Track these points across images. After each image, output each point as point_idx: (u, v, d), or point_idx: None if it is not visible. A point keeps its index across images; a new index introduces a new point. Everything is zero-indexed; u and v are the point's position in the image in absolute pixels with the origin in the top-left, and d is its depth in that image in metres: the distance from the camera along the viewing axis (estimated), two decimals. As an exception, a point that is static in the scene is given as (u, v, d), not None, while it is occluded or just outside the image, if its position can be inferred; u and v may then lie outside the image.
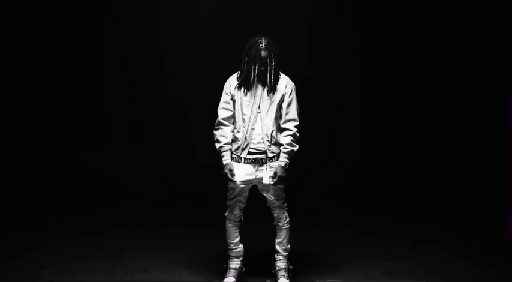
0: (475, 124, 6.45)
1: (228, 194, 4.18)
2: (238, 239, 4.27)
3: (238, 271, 4.29)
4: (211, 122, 4.11)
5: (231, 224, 4.23)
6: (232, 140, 4.06)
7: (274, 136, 4.01)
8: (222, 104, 4.07)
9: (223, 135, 4.04)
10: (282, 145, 4.01)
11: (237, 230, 4.25)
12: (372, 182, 6.48)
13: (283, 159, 3.99)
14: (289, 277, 4.24)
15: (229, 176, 3.98)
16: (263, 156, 4.01)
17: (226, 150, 4.03)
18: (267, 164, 4.01)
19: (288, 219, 4.23)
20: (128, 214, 5.87)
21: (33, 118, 6.52)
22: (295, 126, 4.02)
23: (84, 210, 5.97)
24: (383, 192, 6.35)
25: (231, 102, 4.04)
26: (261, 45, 3.88)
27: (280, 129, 4.04)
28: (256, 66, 3.89)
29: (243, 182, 4.03)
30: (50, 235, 5.22)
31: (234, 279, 4.23)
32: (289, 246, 4.28)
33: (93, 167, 6.51)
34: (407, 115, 6.59)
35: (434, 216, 5.81)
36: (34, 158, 6.52)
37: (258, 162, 4.01)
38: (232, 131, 4.06)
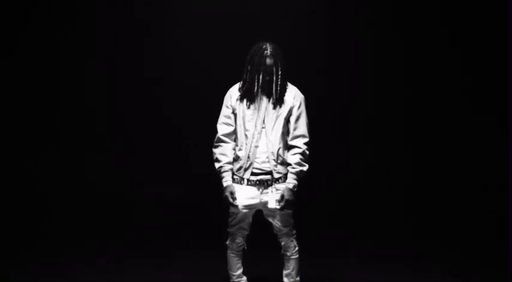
0: (496, 150, 6.09)
1: (229, 220, 3.89)
2: (241, 270, 4.00)
3: (241, 307, 4.03)
4: (210, 138, 3.86)
5: (233, 253, 3.95)
6: (233, 159, 3.78)
7: (281, 154, 3.73)
8: (222, 119, 3.80)
9: (223, 153, 3.76)
10: (290, 165, 3.72)
11: (240, 260, 3.98)
12: (382, 203, 6.17)
13: (291, 181, 3.70)
14: (298, 313, 3.98)
15: (231, 200, 3.70)
16: (268, 177, 3.73)
17: (227, 171, 3.75)
18: (273, 186, 3.73)
19: (297, 248, 3.95)
20: (123, 236, 5.64)
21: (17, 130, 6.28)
22: (304, 143, 3.74)
23: (76, 231, 5.71)
24: (393, 215, 6.03)
25: (232, 116, 3.77)
26: (265, 51, 3.62)
27: (288, 147, 3.76)
28: (261, 76, 3.63)
29: (246, 206, 3.75)
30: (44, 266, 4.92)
31: (237, 316, 3.98)
32: (298, 278, 3.99)
33: (86, 183, 6.27)
34: (425, 133, 6.29)
35: (450, 245, 5.51)
36: (20, 172, 6.27)
37: (263, 184, 3.73)
38: (234, 149, 3.79)
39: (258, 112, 3.69)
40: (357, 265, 4.96)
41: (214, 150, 3.78)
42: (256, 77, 3.63)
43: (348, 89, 6.25)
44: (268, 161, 3.71)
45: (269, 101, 3.69)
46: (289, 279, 3.96)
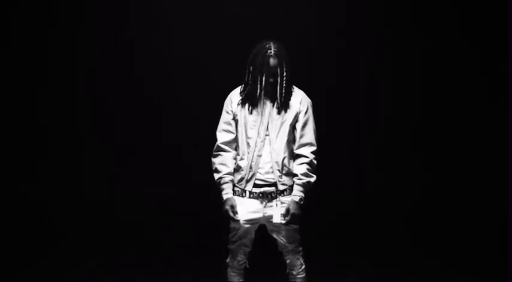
0: (496, 150, 6.01)
1: (229, 236, 3.73)
2: (242, 290, 3.88)
3: (243, 331, 3.90)
4: (209, 146, 3.72)
5: (234, 272, 3.81)
6: (234, 169, 3.65)
7: (286, 164, 3.59)
8: (221, 125, 3.67)
9: (223, 163, 3.62)
10: (296, 175, 3.58)
11: (241, 280, 3.84)
12: (382, 203, 6.06)
13: (298, 193, 3.56)
14: None
15: (231, 214, 3.56)
16: (272, 189, 3.59)
17: (227, 182, 3.61)
18: (278, 198, 3.59)
19: (303, 267, 3.79)
20: (119, 255, 5.53)
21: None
22: (312, 152, 3.59)
23: (71, 249, 5.63)
24: (393, 215, 5.95)
25: (232, 122, 3.64)
26: (269, 51, 3.48)
27: (294, 156, 3.62)
28: (264, 78, 3.49)
29: (248, 221, 3.60)
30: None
31: None
32: (304, 298, 3.87)
33: (82, 196, 6.13)
34: (424, 134, 6.18)
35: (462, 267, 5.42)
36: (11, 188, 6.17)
37: (267, 197, 3.59)
38: (235, 159, 3.66)
39: (261, 118, 3.56)
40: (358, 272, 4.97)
41: (214, 159, 3.65)
42: (259, 79, 3.50)
43: (348, 91, 6.17)
44: (272, 172, 3.57)
45: (273, 105, 3.56)
46: (295, 300, 3.83)
